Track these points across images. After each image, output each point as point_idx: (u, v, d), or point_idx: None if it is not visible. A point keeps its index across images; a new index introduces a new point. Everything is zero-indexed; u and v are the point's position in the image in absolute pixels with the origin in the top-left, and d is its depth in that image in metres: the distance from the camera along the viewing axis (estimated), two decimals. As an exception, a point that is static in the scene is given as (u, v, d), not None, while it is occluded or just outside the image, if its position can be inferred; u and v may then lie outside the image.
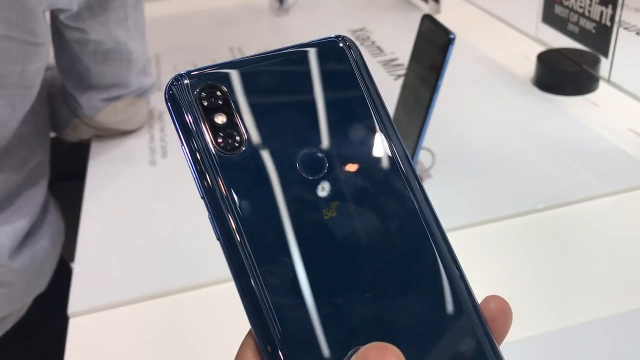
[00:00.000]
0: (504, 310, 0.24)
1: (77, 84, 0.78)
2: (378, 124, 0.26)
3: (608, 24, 0.79)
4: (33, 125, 0.74)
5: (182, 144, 0.24)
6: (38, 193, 0.73)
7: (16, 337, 0.72)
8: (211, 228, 0.24)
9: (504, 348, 0.24)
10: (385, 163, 0.25)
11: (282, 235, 0.23)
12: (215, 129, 0.24)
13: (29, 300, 0.72)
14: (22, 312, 0.72)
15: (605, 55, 0.81)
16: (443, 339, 0.23)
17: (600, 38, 0.81)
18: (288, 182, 0.24)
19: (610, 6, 0.78)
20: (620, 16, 0.78)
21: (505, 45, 1.05)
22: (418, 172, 0.71)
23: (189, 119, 0.24)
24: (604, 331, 0.51)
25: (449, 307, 0.24)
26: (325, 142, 0.25)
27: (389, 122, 0.26)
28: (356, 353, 0.21)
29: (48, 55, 0.67)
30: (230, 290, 0.24)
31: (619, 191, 0.67)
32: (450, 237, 0.25)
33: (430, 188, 0.69)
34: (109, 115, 0.81)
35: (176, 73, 0.25)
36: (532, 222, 0.64)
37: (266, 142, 0.24)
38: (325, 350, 0.22)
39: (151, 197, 0.74)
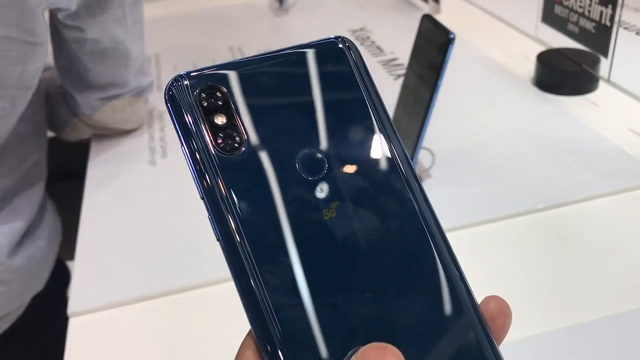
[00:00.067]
0: (504, 311, 0.24)
1: (75, 83, 0.78)
2: (377, 125, 0.26)
3: (608, 24, 0.79)
4: (32, 124, 0.74)
5: (182, 145, 0.24)
6: (35, 192, 0.73)
7: (14, 336, 0.72)
8: (211, 228, 0.24)
9: (503, 348, 0.24)
10: (384, 164, 0.25)
11: (282, 235, 0.23)
12: (215, 129, 0.24)
13: (26, 299, 0.72)
14: (20, 311, 0.72)
15: (605, 55, 0.81)
16: (442, 340, 0.23)
17: (600, 38, 0.81)
18: (288, 183, 0.24)
19: (610, 6, 0.78)
20: (620, 16, 0.78)
21: (505, 45, 1.05)
22: (418, 172, 0.71)
23: (188, 119, 0.24)
24: (604, 331, 0.51)
25: (449, 307, 0.24)
26: (325, 142, 0.25)
27: (389, 122, 0.26)
28: (356, 353, 0.21)
29: (47, 54, 0.67)
30: (230, 290, 0.24)
31: (619, 191, 0.67)
32: (450, 237, 0.25)
33: (430, 188, 0.69)
34: (108, 114, 0.81)
35: (176, 73, 0.25)
36: (532, 222, 0.64)
37: (266, 142, 0.24)
38: (325, 350, 0.22)
39: (151, 197, 0.74)
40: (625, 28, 1.02)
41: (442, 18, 0.68)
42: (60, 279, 0.84)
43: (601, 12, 0.80)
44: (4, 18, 0.59)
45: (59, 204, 0.82)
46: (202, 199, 0.24)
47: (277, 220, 0.23)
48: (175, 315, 0.58)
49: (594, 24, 0.82)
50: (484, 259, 0.60)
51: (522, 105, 0.86)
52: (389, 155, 0.25)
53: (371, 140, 0.25)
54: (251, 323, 0.23)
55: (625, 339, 0.51)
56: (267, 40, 1.18)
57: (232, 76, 0.25)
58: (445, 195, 0.68)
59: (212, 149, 0.24)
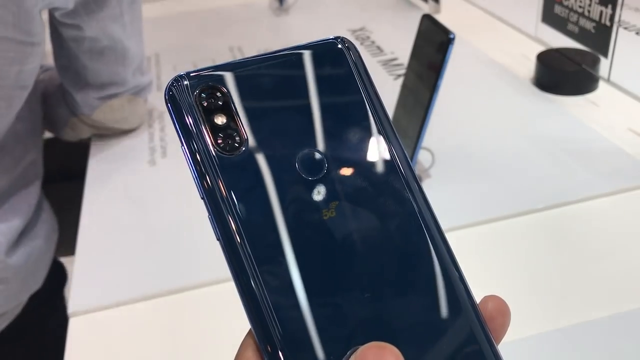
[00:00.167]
0: (502, 310, 0.24)
1: (74, 81, 0.79)
2: (377, 126, 0.26)
3: (608, 23, 0.79)
4: (29, 124, 0.74)
5: (182, 145, 0.24)
6: (32, 192, 0.74)
7: (12, 335, 0.72)
8: (211, 228, 0.24)
9: (502, 348, 0.24)
10: (383, 164, 0.25)
11: (282, 235, 0.23)
12: (215, 129, 0.24)
13: (24, 298, 0.72)
14: (18, 310, 0.72)
15: (605, 55, 0.81)
16: (441, 339, 0.23)
17: (599, 38, 0.81)
18: (287, 183, 0.24)
19: (609, 6, 0.78)
20: (620, 16, 0.78)
21: (505, 45, 1.05)
22: (418, 172, 0.71)
23: (188, 119, 0.24)
24: (604, 331, 0.51)
25: (447, 307, 0.24)
26: (324, 143, 0.25)
27: (388, 123, 0.26)
28: (355, 353, 0.21)
29: (44, 55, 0.68)
30: (230, 290, 0.24)
31: (619, 191, 0.67)
32: (450, 237, 0.25)
33: (430, 188, 0.69)
34: (107, 113, 0.81)
35: (176, 73, 0.25)
36: (532, 222, 0.64)
37: (266, 143, 0.24)
38: (325, 350, 0.22)
39: (151, 197, 0.74)
40: (625, 28, 1.02)
41: (442, 18, 0.68)
42: (57, 278, 0.84)
43: (601, 12, 0.80)
44: (0, 18, 0.59)
45: (58, 204, 0.82)
46: (202, 199, 0.24)
47: (277, 220, 0.23)
48: (175, 315, 0.58)
49: (593, 24, 0.82)
50: (484, 258, 0.60)
51: (522, 105, 0.86)
52: (388, 155, 0.25)
53: (370, 141, 0.25)
54: (251, 323, 0.23)
55: (625, 339, 0.51)
56: (267, 40, 1.18)
57: (232, 76, 0.25)
58: (445, 195, 0.68)
59: (212, 149, 0.24)
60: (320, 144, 0.25)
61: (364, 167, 0.25)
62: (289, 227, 0.23)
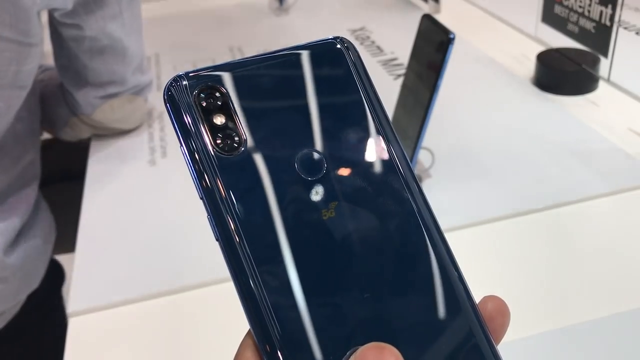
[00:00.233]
0: (502, 310, 0.24)
1: (74, 81, 0.79)
2: (376, 126, 0.26)
3: (608, 23, 0.79)
4: (27, 124, 0.75)
5: (181, 145, 0.24)
6: (30, 191, 0.74)
7: (10, 335, 0.72)
8: (210, 228, 0.24)
9: (501, 348, 0.24)
10: (383, 164, 0.25)
11: (281, 235, 0.23)
12: (214, 129, 0.24)
13: (22, 297, 0.72)
14: (16, 309, 0.72)
15: (605, 55, 0.81)
16: (441, 339, 0.23)
17: (599, 38, 0.81)
18: (287, 183, 0.24)
19: (609, 6, 0.78)
20: (620, 16, 0.78)
21: (505, 45, 1.05)
22: (417, 172, 0.71)
23: (187, 120, 0.24)
24: (604, 331, 0.51)
25: (447, 307, 0.24)
26: (323, 143, 0.25)
27: (388, 123, 0.26)
28: (355, 353, 0.21)
29: (42, 55, 0.68)
30: (229, 290, 0.24)
31: (619, 191, 0.67)
32: (450, 237, 0.25)
33: (430, 188, 0.69)
34: (107, 112, 0.81)
35: (175, 74, 0.25)
36: (532, 222, 0.64)
37: (265, 143, 0.24)
38: (324, 350, 0.22)
39: (151, 197, 0.74)
40: (625, 28, 1.02)
41: (442, 18, 0.68)
42: (54, 277, 0.84)
43: (601, 12, 0.80)
44: None
45: (58, 204, 0.82)
46: (201, 199, 0.24)
47: (276, 220, 0.23)
48: (174, 315, 0.58)
49: (593, 24, 0.82)
50: (484, 259, 0.60)
51: (522, 105, 0.86)
52: (388, 155, 0.25)
53: (370, 141, 0.25)
54: (250, 323, 0.23)
55: (624, 339, 0.51)
56: (267, 40, 1.18)
57: (231, 76, 0.25)
58: (445, 195, 0.68)
59: (211, 149, 0.24)
60: (320, 144, 0.25)
61: (363, 168, 0.25)
62: (288, 228, 0.23)
